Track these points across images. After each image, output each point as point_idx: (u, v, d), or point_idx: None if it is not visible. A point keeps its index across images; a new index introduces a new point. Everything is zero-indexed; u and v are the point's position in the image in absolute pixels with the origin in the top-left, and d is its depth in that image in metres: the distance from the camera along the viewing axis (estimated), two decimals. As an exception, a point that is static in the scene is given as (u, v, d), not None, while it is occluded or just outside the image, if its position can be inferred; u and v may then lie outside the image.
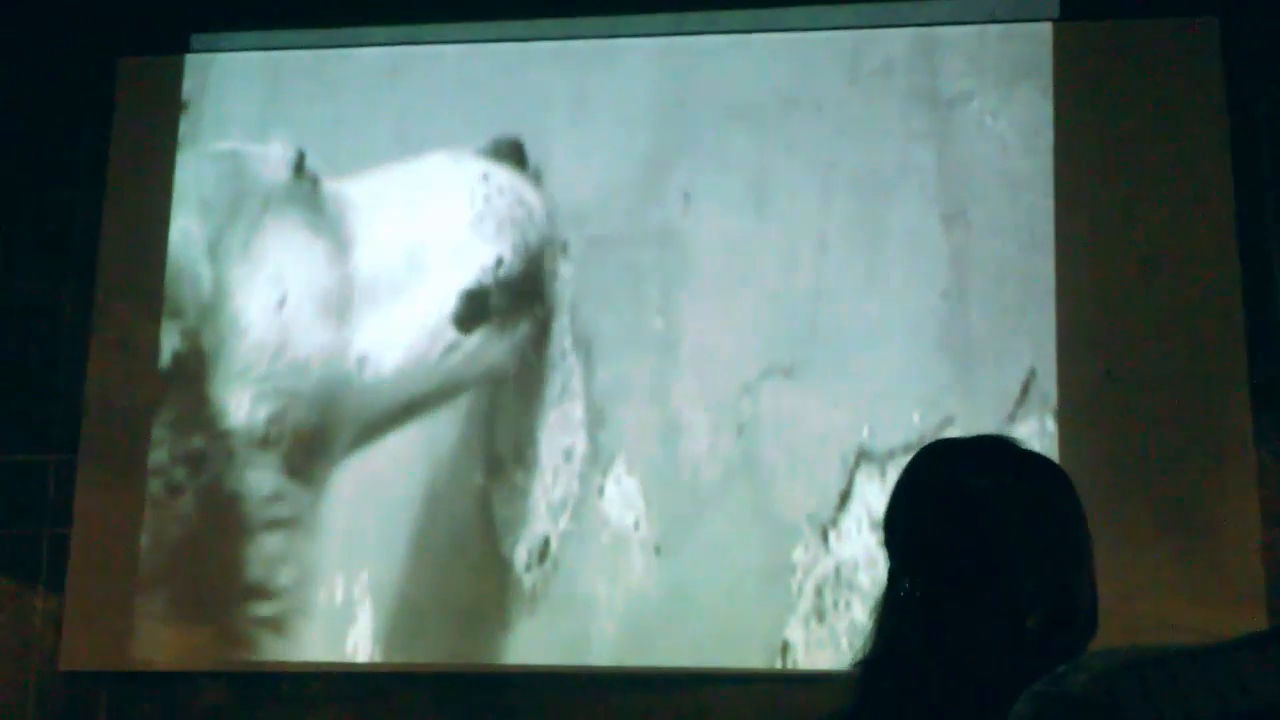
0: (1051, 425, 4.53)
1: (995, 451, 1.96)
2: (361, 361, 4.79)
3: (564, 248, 4.85)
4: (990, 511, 1.87)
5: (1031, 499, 1.90)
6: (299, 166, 4.91)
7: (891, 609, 1.92)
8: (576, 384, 4.77)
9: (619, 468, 4.69)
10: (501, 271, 4.78)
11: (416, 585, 4.76)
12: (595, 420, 4.74)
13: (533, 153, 4.93)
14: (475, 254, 4.83)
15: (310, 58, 5.11)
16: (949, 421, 4.56)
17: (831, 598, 4.53)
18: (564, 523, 4.70)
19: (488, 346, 4.76)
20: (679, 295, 4.76)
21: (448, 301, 4.81)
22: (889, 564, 1.96)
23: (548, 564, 4.70)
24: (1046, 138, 4.69)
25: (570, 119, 4.93)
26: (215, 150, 5.02)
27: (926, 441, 4.10)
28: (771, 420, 4.64)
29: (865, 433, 4.59)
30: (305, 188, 4.89)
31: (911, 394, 4.60)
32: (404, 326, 4.79)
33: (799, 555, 4.55)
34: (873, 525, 4.53)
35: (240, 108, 5.12)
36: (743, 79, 4.85)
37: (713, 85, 4.86)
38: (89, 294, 5.12)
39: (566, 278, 4.83)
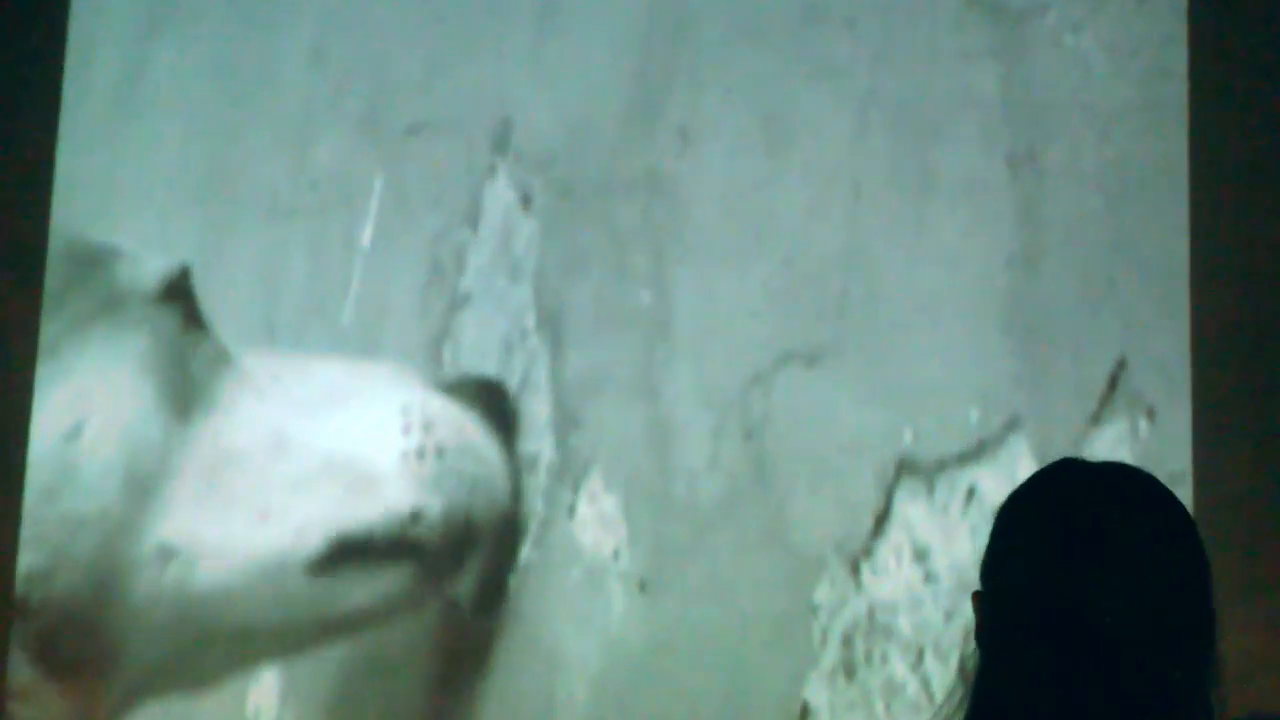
0: (1145, 428, 4.19)
1: (1142, 489, 1.89)
2: (164, 553, 4.50)
3: (526, 200, 4.62)
4: (1146, 564, 1.82)
5: (1179, 552, 1.85)
6: (178, 285, 4.62)
7: (1001, 673, 1.84)
8: (541, 374, 4.56)
9: (594, 481, 4.46)
10: (419, 529, 4.48)
11: (335, 631, 4.63)
12: (565, 420, 4.51)
13: (490, 80, 4.68)
14: (384, 491, 4.53)
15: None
16: (1015, 423, 4.22)
17: (864, 648, 4.26)
18: (524, 552, 4.50)
19: (355, 590, 4.49)
20: (672, 260, 4.52)
21: (309, 538, 4.51)
22: (985, 612, 1.88)
23: (503, 605, 4.50)
24: (1146, 60, 4.33)
25: (535, 33, 4.70)
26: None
27: (986, 448, 4.31)
28: (789, 421, 4.36)
29: (908, 437, 4.29)
30: (174, 315, 4.64)
31: (967, 388, 4.28)
32: (237, 541, 4.50)
33: (823, 594, 4.29)
34: (916, 556, 4.28)
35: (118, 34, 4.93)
36: (755, -15, 4.63)
37: (718, -8, 4.66)
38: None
39: (529, 238, 4.62)
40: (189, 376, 4.60)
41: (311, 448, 4.61)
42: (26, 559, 4.54)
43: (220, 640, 4.51)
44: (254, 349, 4.65)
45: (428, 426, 4.54)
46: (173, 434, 4.54)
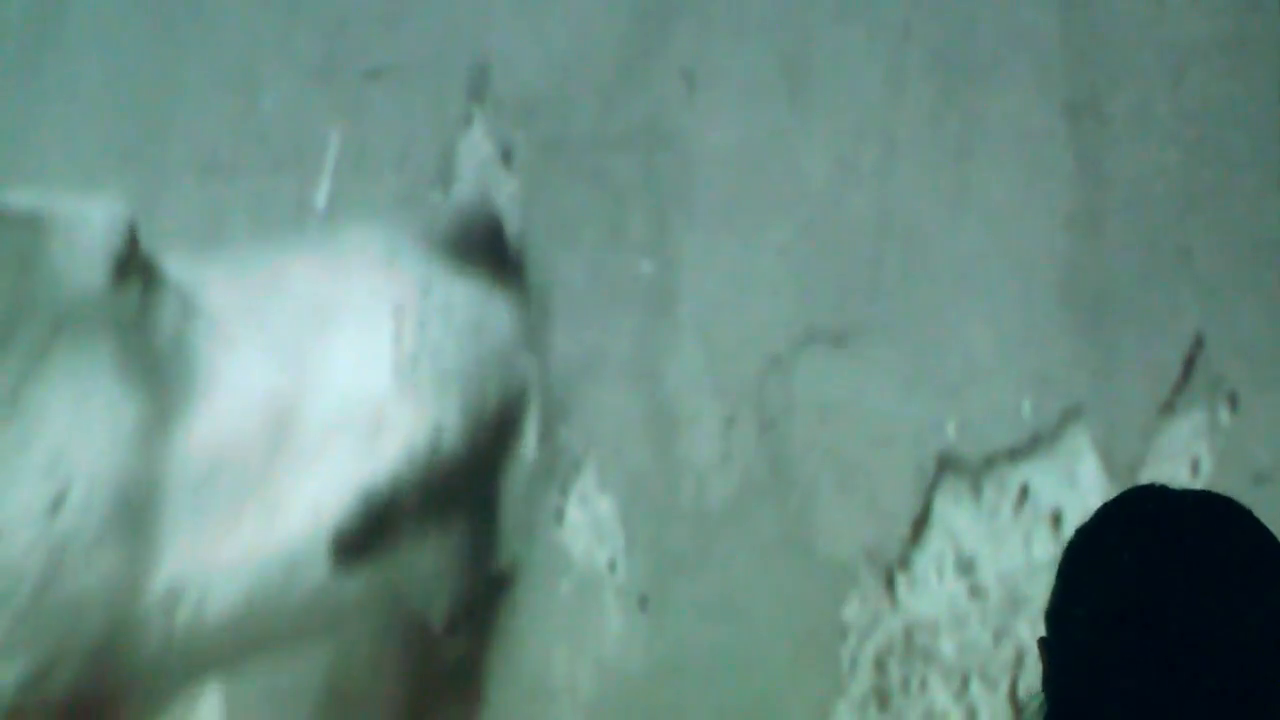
0: (1226, 418, 4.06)
1: (1234, 523, 1.82)
2: (171, 598, 4.24)
3: (507, 155, 4.55)
4: (1245, 616, 1.75)
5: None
6: (127, 250, 4.26)
7: None
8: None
9: (587, 481, 4.39)
10: (438, 453, 4.34)
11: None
12: (552, 410, 4.46)
13: (464, 16, 4.71)
14: (394, 422, 4.40)
15: None
16: (1075, 413, 4.06)
17: (900, 673, 4.16)
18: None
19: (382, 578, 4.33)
20: (677, 225, 4.40)
21: (329, 507, 4.31)
22: (1053, 661, 1.84)
23: (481, 624, 4.47)
24: (1229, -12, 4.42)
25: (516, -40, 4.78)
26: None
27: (1042, 442, 4.17)
28: (812, 411, 4.25)
29: (951, 430, 4.15)
30: (131, 295, 4.27)
31: (1019, 372, 4.14)
32: (249, 544, 4.28)
33: (852, 611, 4.17)
34: (960, 567, 4.17)
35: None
36: (772, -98, 4.58)
37: (728, -89, 4.55)
38: None
39: (510, 199, 4.55)
40: (160, 364, 4.30)
41: (308, 404, 4.43)
42: (18, 664, 4.22)
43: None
44: (213, 271, 4.41)
45: (422, 324, 4.39)
46: (159, 451, 4.26)
